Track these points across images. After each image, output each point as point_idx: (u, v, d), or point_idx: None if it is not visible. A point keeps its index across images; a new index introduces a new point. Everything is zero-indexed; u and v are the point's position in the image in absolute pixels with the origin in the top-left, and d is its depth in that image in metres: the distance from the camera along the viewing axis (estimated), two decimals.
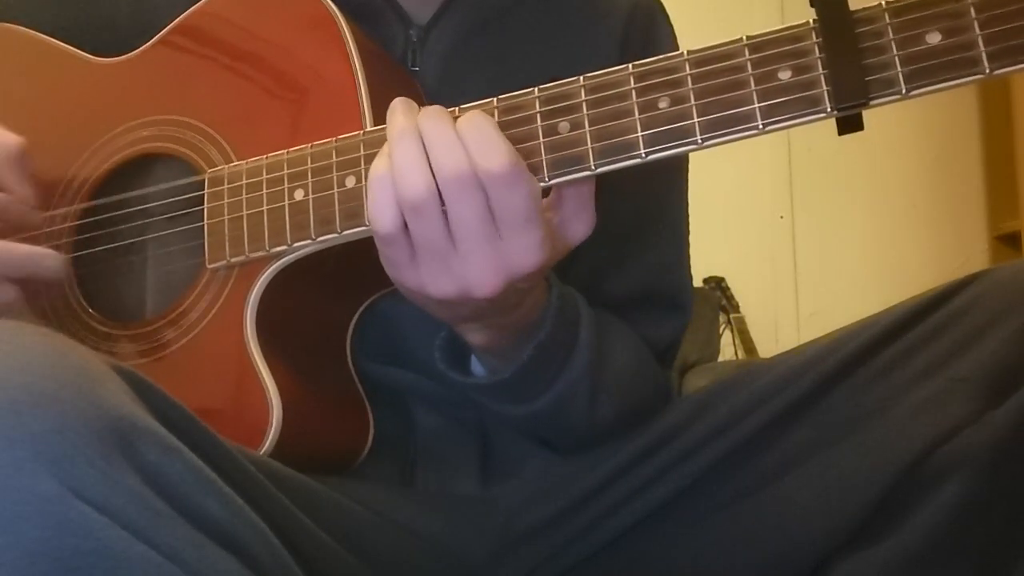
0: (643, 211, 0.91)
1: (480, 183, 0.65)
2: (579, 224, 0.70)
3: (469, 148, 0.65)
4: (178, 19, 0.85)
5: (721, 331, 2.78)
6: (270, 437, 0.72)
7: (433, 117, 0.67)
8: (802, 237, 2.97)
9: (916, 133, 2.96)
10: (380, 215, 0.66)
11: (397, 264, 0.68)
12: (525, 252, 0.66)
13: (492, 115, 0.68)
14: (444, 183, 0.65)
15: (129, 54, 0.87)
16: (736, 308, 2.81)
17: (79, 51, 0.89)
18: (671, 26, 0.97)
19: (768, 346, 2.75)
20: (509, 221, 0.65)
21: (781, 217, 2.97)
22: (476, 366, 0.79)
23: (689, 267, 0.97)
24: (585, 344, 0.77)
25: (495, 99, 0.69)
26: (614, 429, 0.82)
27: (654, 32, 0.94)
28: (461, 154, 0.65)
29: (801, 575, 0.77)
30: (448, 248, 0.66)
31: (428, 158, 0.65)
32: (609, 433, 0.82)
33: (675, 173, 0.95)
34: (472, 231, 0.65)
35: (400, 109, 0.68)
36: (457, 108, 0.69)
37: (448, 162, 0.65)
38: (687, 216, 0.97)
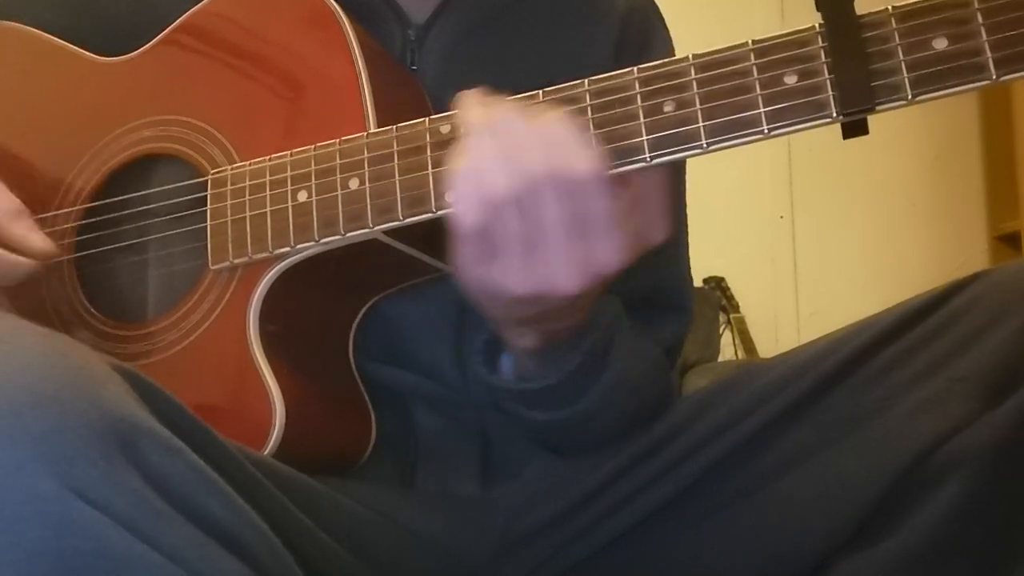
0: None
1: (564, 184, 0.64)
2: (661, 224, 0.69)
3: (552, 150, 0.64)
4: (181, 19, 0.85)
5: (721, 331, 2.78)
6: (273, 438, 0.72)
7: (514, 114, 0.66)
8: (802, 237, 2.97)
9: (916, 133, 2.96)
10: (466, 210, 0.65)
11: (475, 261, 0.67)
12: (609, 253, 0.65)
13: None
14: (530, 182, 0.64)
15: (132, 54, 0.87)
16: (736, 308, 2.81)
17: (82, 50, 0.89)
18: (667, 29, 0.97)
19: (768, 346, 2.75)
20: (594, 223, 0.64)
21: (781, 217, 2.97)
22: (505, 372, 0.79)
23: (689, 268, 0.97)
24: (621, 351, 0.77)
25: None
26: (624, 431, 0.82)
27: (650, 34, 0.95)
28: (545, 153, 0.64)
29: (801, 575, 0.77)
30: (532, 245, 0.65)
31: (513, 154, 0.64)
32: (617, 436, 0.83)
33: (673, 174, 0.95)
34: (558, 230, 0.64)
35: (474, 102, 0.67)
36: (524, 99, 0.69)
37: (533, 161, 0.64)
38: (685, 216, 0.97)
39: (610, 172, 0.66)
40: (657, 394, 0.86)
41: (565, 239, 0.64)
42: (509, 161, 0.64)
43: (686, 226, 0.97)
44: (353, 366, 0.82)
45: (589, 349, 0.74)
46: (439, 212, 0.70)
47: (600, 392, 0.77)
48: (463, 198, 0.65)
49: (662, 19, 0.97)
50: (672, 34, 0.97)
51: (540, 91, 0.68)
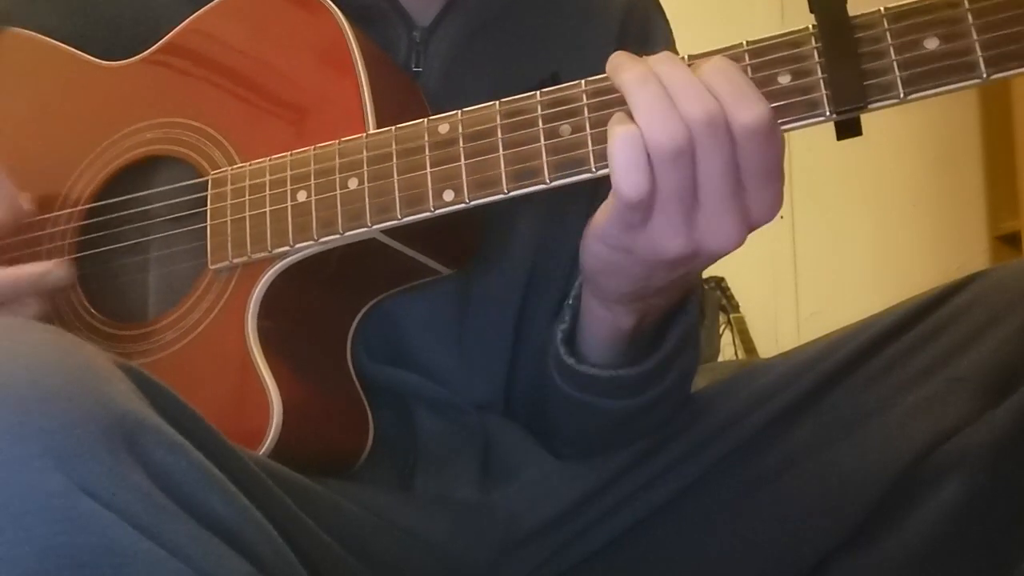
0: None
1: (731, 132, 0.61)
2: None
3: (721, 97, 0.62)
4: (183, 23, 0.85)
5: (721, 331, 2.77)
6: (270, 438, 0.72)
7: (673, 63, 0.64)
8: (802, 237, 2.97)
9: (916, 133, 2.96)
10: (631, 177, 0.61)
11: (631, 227, 0.64)
12: (767, 206, 0.63)
13: (495, 119, 0.69)
14: (696, 128, 0.61)
15: (135, 57, 0.87)
16: (736, 308, 2.81)
17: (86, 55, 0.89)
18: (667, 21, 0.97)
19: (768, 346, 2.74)
20: (756, 173, 0.62)
21: (781, 217, 2.96)
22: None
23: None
24: (696, 337, 0.77)
25: (497, 103, 0.69)
26: (661, 427, 0.82)
27: (650, 27, 0.95)
28: (711, 100, 0.61)
29: (801, 575, 0.77)
30: (693, 201, 0.62)
31: (675, 103, 0.62)
32: (657, 429, 0.82)
33: None
34: (722, 183, 0.62)
35: (627, 60, 0.65)
36: (686, 56, 0.67)
37: (698, 109, 0.61)
38: None
39: (607, 172, 0.66)
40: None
41: (727, 191, 0.62)
42: (675, 108, 0.62)
43: None
44: (351, 368, 0.82)
45: (680, 333, 0.74)
46: (437, 212, 0.70)
47: (673, 378, 0.77)
48: (626, 163, 0.61)
49: (662, 12, 0.97)
50: (675, 34, 0.97)
51: (537, 92, 0.68)
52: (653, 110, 0.61)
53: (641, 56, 0.66)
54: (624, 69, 0.64)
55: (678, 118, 0.61)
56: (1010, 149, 2.79)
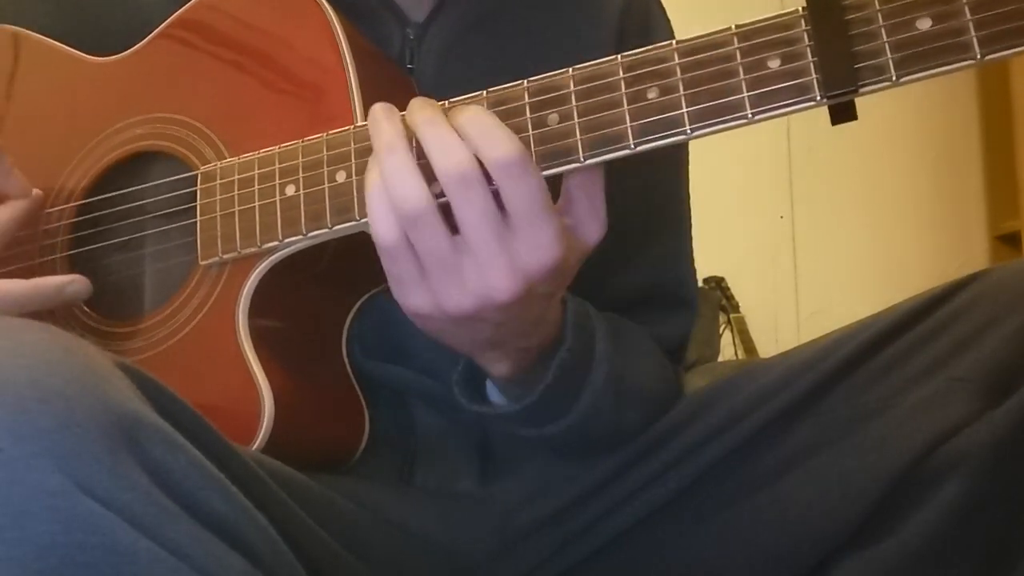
0: (644, 206, 0.90)
1: (484, 178, 0.62)
2: (593, 225, 0.67)
3: (472, 141, 0.63)
4: (171, 18, 0.85)
5: (721, 331, 2.77)
6: (261, 433, 0.71)
7: (425, 115, 0.65)
8: (802, 237, 2.96)
9: (916, 133, 2.96)
10: (379, 225, 0.64)
11: (406, 282, 0.65)
12: (540, 248, 0.63)
13: (482, 106, 0.68)
14: (447, 183, 0.63)
15: (123, 53, 0.87)
16: (736, 308, 2.81)
17: (76, 51, 0.89)
18: (667, 17, 0.96)
19: (768, 346, 2.74)
20: (521, 214, 0.63)
21: (781, 217, 2.97)
22: (492, 392, 0.77)
23: (693, 262, 0.96)
24: (603, 356, 0.76)
25: (484, 92, 0.69)
26: (636, 430, 0.81)
27: (650, 22, 0.94)
28: (462, 150, 0.63)
29: (801, 575, 0.77)
30: (457, 256, 0.63)
31: (428, 159, 0.64)
32: (627, 436, 0.81)
33: (675, 167, 0.95)
34: (482, 231, 0.62)
35: (383, 115, 0.66)
36: (447, 101, 0.68)
37: (449, 160, 0.63)
38: (689, 211, 0.96)
39: (595, 161, 0.65)
40: (673, 391, 0.86)
41: (492, 239, 0.62)
42: (415, 171, 0.63)
43: (688, 222, 0.96)
44: (347, 363, 0.82)
45: (561, 363, 0.73)
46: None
47: (588, 400, 0.76)
48: (375, 213, 0.64)
49: (662, 8, 0.96)
50: (675, 25, 0.96)
51: (524, 80, 0.68)
52: (394, 174, 0.64)
53: (637, 47, 0.65)
54: (378, 128, 0.66)
55: (416, 182, 0.63)
56: (1010, 149, 2.79)
